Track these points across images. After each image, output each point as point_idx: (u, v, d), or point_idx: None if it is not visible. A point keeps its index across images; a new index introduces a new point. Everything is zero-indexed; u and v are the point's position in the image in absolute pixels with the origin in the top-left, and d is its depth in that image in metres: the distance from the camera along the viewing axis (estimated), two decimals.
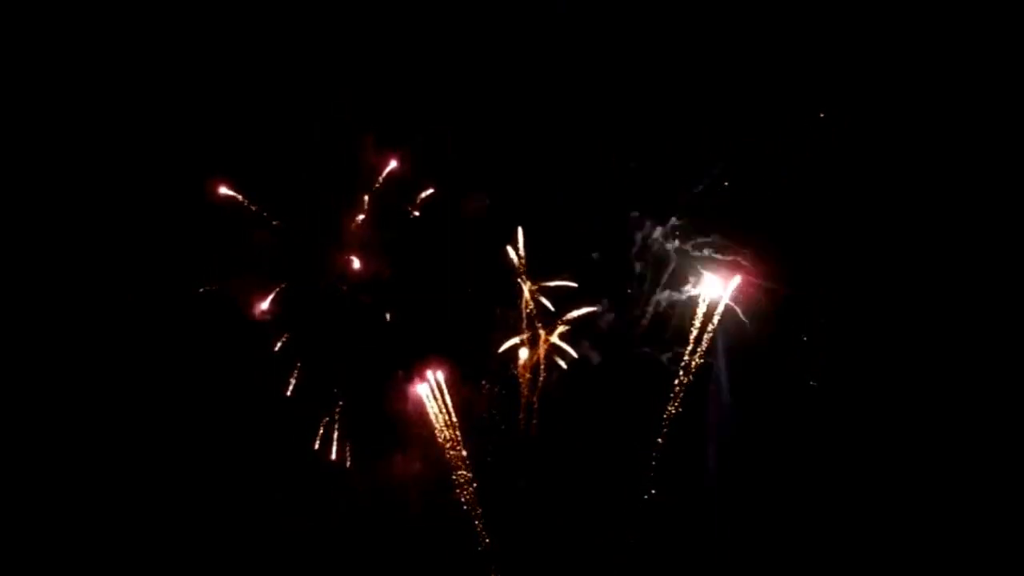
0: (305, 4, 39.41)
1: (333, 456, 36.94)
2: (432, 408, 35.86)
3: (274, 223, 37.70)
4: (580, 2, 40.27)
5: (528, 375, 36.72)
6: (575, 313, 36.64)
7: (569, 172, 39.85)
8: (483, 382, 37.08)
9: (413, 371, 36.14)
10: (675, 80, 39.53)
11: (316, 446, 36.84)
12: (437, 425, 35.92)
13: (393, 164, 38.15)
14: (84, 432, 36.73)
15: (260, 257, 37.55)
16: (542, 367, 36.75)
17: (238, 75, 38.39)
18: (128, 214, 37.95)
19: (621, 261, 38.32)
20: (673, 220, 37.89)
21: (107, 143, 37.91)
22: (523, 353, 36.69)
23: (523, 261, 36.89)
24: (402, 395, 36.70)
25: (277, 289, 36.76)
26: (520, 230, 37.25)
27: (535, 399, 36.91)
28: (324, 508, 37.36)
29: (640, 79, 39.78)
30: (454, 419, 36.05)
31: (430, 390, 35.88)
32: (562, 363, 36.51)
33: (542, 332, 36.47)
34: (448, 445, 36.17)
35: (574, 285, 36.54)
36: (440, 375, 35.77)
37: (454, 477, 36.72)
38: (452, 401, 36.10)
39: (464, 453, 36.48)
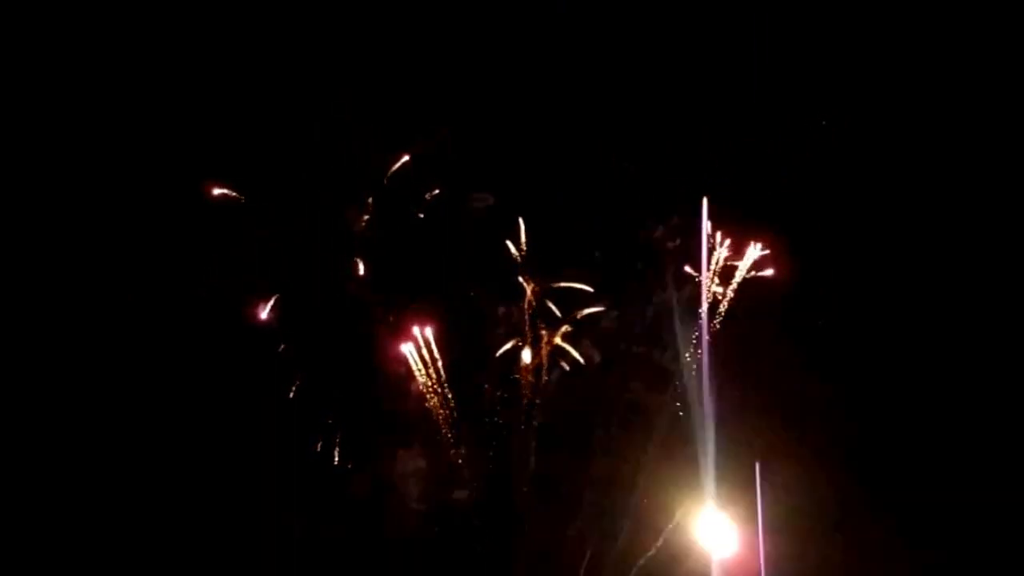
0: (305, 4, 39.33)
1: (335, 460, 36.87)
2: (416, 365, 35.52)
3: (275, 225, 37.56)
4: (580, 2, 40.24)
5: (530, 377, 36.70)
6: (578, 314, 36.55)
7: (569, 172, 39.86)
8: (485, 385, 37.03)
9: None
10: (675, 80, 39.60)
11: (318, 448, 36.79)
12: (423, 383, 35.65)
13: (396, 165, 37.97)
14: (84, 433, 36.52)
15: (261, 259, 37.43)
16: (544, 368, 36.73)
17: (238, 76, 38.28)
18: (128, 215, 37.84)
19: (622, 261, 38.28)
20: (674, 219, 37.86)
21: (107, 144, 37.81)
22: (525, 355, 36.64)
23: (524, 252, 36.86)
24: (403, 393, 36.68)
25: (279, 291, 36.56)
26: (521, 222, 37.08)
27: (536, 400, 36.90)
28: (324, 508, 37.25)
29: (640, 79, 39.84)
30: (444, 379, 35.79)
31: (416, 348, 35.57)
32: (565, 365, 36.45)
33: (544, 333, 36.42)
34: (436, 404, 35.97)
35: (589, 289, 36.41)
36: (428, 331, 35.40)
37: (453, 474, 36.78)
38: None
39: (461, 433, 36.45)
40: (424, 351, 35.66)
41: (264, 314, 36.38)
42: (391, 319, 37.46)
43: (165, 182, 37.86)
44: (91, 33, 37.76)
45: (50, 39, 37.49)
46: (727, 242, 36.36)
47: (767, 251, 36.59)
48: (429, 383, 35.68)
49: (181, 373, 37.14)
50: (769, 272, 36.62)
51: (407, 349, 35.66)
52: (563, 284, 36.82)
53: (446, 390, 36.04)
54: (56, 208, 37.23)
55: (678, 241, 37.39)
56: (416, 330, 35.78)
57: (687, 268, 37.01)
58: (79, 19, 37.65)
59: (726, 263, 36.28)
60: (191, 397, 37.10)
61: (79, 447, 36.33)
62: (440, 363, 35.71)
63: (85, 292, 37.30)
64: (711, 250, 36.64)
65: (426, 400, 36.18)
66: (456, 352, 36.43)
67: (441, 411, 36.07)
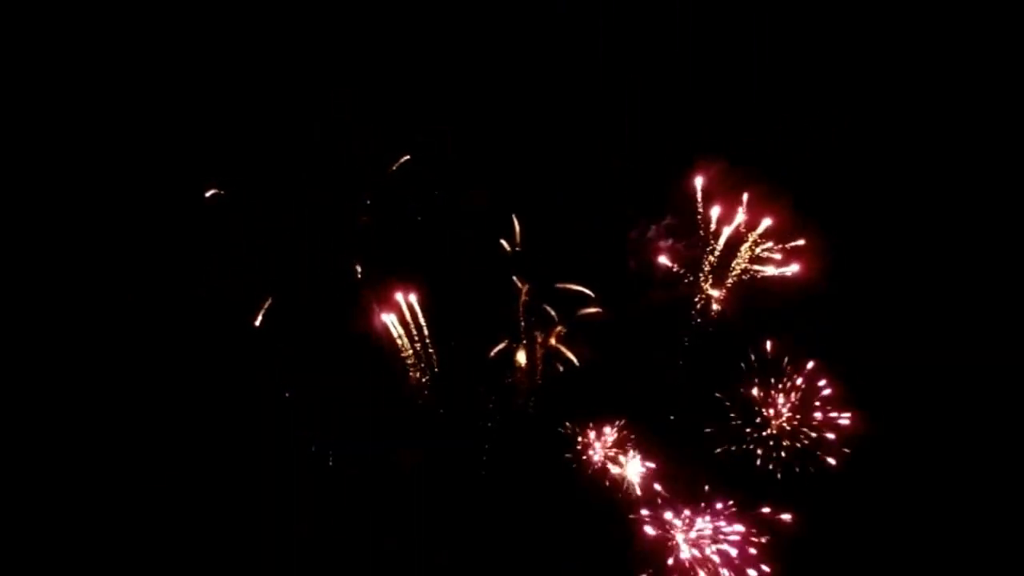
0: (305, 4, 39.47)
1: (330, 461, 37.07)
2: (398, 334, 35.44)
3: (274, 225, 37.75)
4: (580, 2, 40.16)
5: (525, 380, 36.62)
6: (575, 315, 36.47)
7: (569, 172, 39.80)
8: (480, 388, 36.96)
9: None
10: (675, 80, 39.47)
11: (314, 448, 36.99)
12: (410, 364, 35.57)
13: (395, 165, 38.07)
14: (83, 429, 36.77)
15: (260, 259, 37.64)
16: (538, 369, 36.64)
17: (239, 78, 38.50)
18: (129, 216, 38.12)
19: (618, 260, 38.18)
20: (668, 219, 37.74)
21: (109, 146, 38.08)
22: (520, 357, 36.59)
23: (519, 246, 36.82)
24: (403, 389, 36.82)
25: (276, 292, 36.72)
26: (515, 219, 37.08)
27: (531, 404, 36.82)
28: (323, 506, 37.41)
29: (640, 79, 39.74)
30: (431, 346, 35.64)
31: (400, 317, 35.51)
32: (560, 366, 36.36)
33: (539, 335, 36.32)
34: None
35: (591, 293, 36.27)
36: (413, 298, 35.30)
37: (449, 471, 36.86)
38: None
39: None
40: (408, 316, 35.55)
41: (261, 315, 36.45)
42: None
43: (165, 184, 38.17)
44: (93, 36, 38.04)
45: (54, 45, 37.82)
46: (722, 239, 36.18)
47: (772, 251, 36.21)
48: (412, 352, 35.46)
49: (180, 371, 37.51)
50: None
51: (389, 319, 35.58)
52: (563, 286, 36.69)
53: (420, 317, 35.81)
54: (57, 209, 37.56)
55: (671, 241, 37.26)
56: (399, 296, 35.65)
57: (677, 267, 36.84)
58: (81, 22, 37.98)
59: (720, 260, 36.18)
60: (191, 394, 37.44)
61: (79, 441, 36.66)
62: (425, 329, 35.55)
63: (86, 292, 37.66)
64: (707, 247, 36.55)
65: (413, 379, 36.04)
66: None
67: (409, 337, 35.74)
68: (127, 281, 37.86)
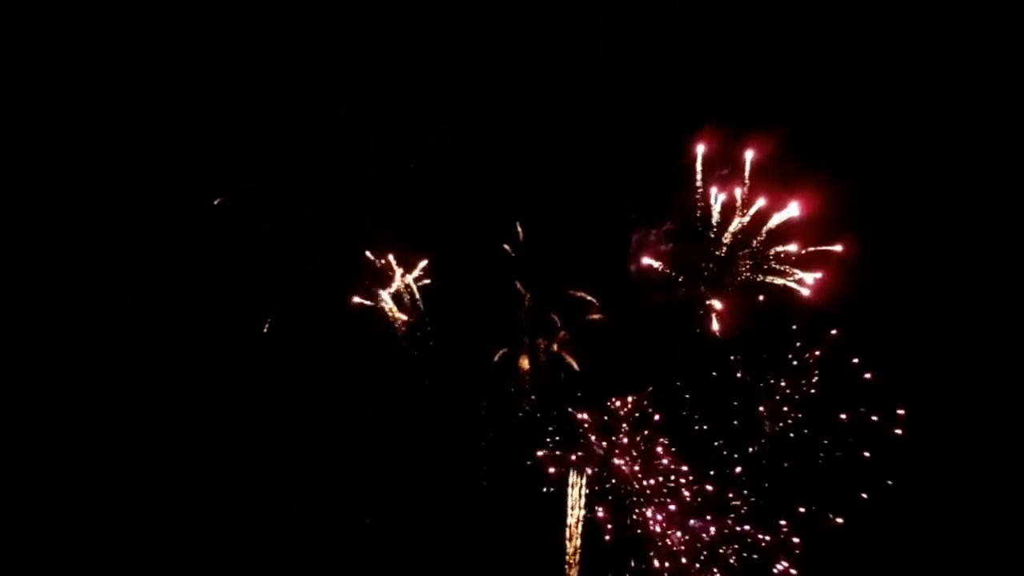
0: (306, 5, 39.51)
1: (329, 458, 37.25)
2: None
3: (277, 227, 37.85)
4: (580, 2, 40.14)
5: (527, 386, 36.70)
6: (577, 321, 36.55)
7: (570, 174, 39.83)
8: (482, 400, 37.05)
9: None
10: (676, 80, 39.46)
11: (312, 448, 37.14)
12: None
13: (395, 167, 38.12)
14: (84, 428, 36.97)
15: (263, 261, 37.76)
16: (541, 375, 36.73)
17: (241, 79, 38.56)
18: (132, 217, 38.22)
19: (620, 265, 38.23)
20: (670, 224, 37.77)
21: (113, 148, 38.17)
22: (523, 362, 36.67)
23: (521, 251, 36.88)
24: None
25: (282, 296, 36.86)
26: (518, 225, 37.08)
27: (533, 409, 36.88)
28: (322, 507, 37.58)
29: (640, 80, 39.75)
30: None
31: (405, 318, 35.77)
32: (562, 373, 36.45)
33: (541, 341, 36.41)
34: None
35: (594, 300, 36.30)
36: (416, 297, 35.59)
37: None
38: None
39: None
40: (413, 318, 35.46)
41: (268, 320, 36.64)
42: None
43: (168, 185, 38.26)
44: (93, 37, 38.06)
45: (57, 46, 37.85)
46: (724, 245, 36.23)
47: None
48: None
49: (180, 371, 37.65)
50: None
51: (384, 294, 35.49)
52: (566, 291, 36.79)
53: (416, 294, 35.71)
54: (58, 210, 37.66)
55: (671, 245, 37.32)
56: (398, 276, 35.66)
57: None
58: (82, 23, 38.02)
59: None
60: (190, 394, 37.58)
61: (80, 440, 36.80)
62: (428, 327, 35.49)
63: (86, 292, 37.77)
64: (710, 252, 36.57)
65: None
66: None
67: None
68: (127, 281, 38.02)
